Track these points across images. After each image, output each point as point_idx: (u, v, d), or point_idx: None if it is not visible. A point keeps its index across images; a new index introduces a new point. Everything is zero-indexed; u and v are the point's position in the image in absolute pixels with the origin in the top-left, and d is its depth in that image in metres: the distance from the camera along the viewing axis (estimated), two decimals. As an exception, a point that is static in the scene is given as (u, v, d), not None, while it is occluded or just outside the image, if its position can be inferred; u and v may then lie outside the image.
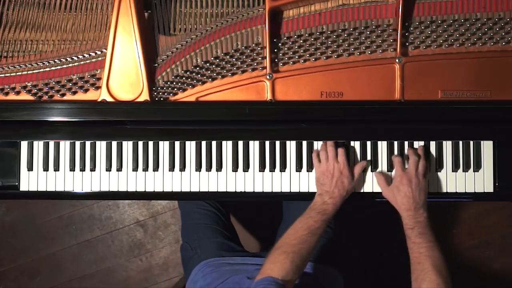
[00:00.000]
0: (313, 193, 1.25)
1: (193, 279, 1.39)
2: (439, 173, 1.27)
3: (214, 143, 1.28)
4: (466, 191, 1.27)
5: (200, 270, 1.38)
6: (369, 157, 1.27)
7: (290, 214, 1.52)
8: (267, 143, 1.28)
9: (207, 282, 1.32)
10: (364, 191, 1.27)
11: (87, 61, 1.26)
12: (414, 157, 1.22)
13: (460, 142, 1.27)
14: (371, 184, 1.27)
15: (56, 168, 1.28)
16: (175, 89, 1.25)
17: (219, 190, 1.28)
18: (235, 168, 1.28)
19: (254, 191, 1.28)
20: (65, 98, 1.25)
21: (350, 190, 1.23)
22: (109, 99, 1.24)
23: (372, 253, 2.12)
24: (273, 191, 1.28)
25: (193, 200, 1.51)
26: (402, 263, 2.10)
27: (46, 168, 1.28)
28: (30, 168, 1.28)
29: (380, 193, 1.26)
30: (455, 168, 1.27)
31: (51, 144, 1.28)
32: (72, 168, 1.28)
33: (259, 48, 1.25)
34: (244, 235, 2.10)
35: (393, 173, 1.26)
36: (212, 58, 1.25)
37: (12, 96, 1.25)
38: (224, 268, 1.34)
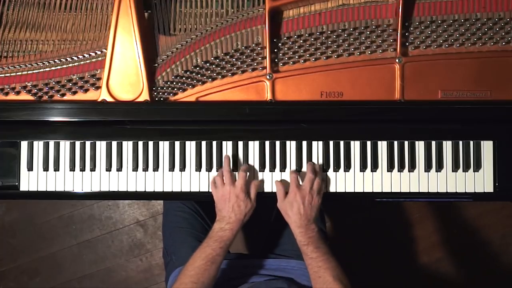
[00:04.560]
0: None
1: (170, 286, 1.38)
2: (439, 173, 1.27)
3: (214, 143, 1.28)
4: (466, 191, 1.27)
5: (175, 277, 1.36)
6: (369, 157, 1.27)
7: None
8: (267, 143, 1.28)
9: None
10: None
11: (87, 61, 1.26)
12: (311, 174, 1.22)
13: (460, 142, 1.27)
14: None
15: (56, 168, 1.28)
16: (175, 89, 1.25)
17: (219, 190, 1.28)
18: (235, 168, 1.28)
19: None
20: (65, 98, 1.25)
21: (248, 212, 1.22)
22: (109, 99, 1.24)
23: (363, 256, 2.13)
24: (274, 191, 1.27)
25: (193, 200, 1.50)
26: (393, 264, 2.10)
27: (46, 168, 1.28)
28: (30, 168, 1.28)
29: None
30: (455, 168, 1.27)
31: (51, 144, 1.28)
32: (72, 168, 1.28)
33: (259, 48, 1.25)
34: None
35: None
36: (212, 58, 1.25)
37: (12, 96, 1.25)
38: None
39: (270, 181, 1.28)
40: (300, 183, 1.23)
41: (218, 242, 1.18)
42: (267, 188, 1.27)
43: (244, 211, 1.21)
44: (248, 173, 1.25)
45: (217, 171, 1.27)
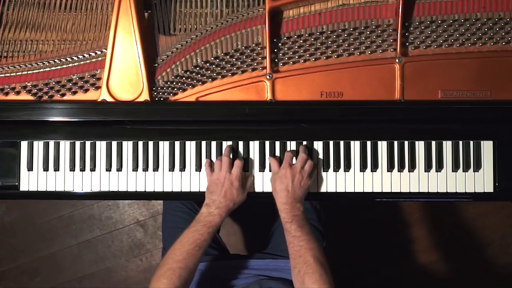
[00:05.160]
0: (317, 193, 1.26)
1: None
2: (439, 173, 1.27)
3: (214, 143, 1.28)
4: (466, 191, 1.27)
5: None
6: (369, 157, 1.27)
7: None
8: (267, 143, 1.28)
9: None
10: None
11: (87, 61, 1.26)
12: (304, 155, 1.23)
13: (460, 142, 1.27)
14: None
15: (56, 168, 1.28)
16: (175, 89, 1.25)
17: (219, 190, 1.28)
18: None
19: (254, 191, 1.28)
20: (65, 98, 1.25)
21: (238, 202, 1.22)
22: (109, 99, 1.24)
23: (363, 256, 2.13)
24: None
25: (193, 200, 1.50)
26: (393, 264, 2.10)
27: (46, 168, 1.28)
28: (30, 168, 1.28)
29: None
30: (455, 168, 1.27)
31: (51, 144, 1.28)
32: (72, 168, 1.28)
33: (259, 48, 1.25)
34: (232, 236, 2.12)
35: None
36: (212, 58, 1.25)
37: (12, 96, 1.25)
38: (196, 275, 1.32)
39: (270, 181, 1.28)
40: (294, 162, 1.24)
41: (206, 227, 1.18)
42: (267, 189, 1.27)
43: (235, 199, 1.21)
44: (243, 161, 1.25)
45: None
